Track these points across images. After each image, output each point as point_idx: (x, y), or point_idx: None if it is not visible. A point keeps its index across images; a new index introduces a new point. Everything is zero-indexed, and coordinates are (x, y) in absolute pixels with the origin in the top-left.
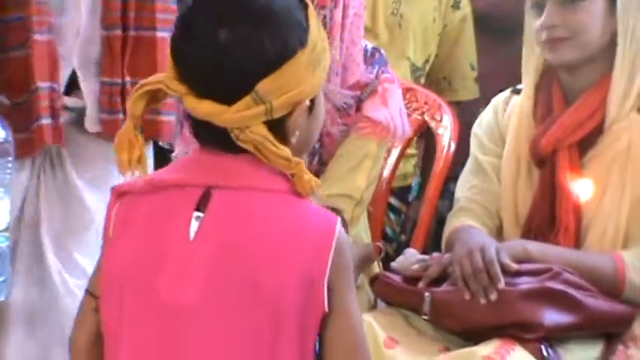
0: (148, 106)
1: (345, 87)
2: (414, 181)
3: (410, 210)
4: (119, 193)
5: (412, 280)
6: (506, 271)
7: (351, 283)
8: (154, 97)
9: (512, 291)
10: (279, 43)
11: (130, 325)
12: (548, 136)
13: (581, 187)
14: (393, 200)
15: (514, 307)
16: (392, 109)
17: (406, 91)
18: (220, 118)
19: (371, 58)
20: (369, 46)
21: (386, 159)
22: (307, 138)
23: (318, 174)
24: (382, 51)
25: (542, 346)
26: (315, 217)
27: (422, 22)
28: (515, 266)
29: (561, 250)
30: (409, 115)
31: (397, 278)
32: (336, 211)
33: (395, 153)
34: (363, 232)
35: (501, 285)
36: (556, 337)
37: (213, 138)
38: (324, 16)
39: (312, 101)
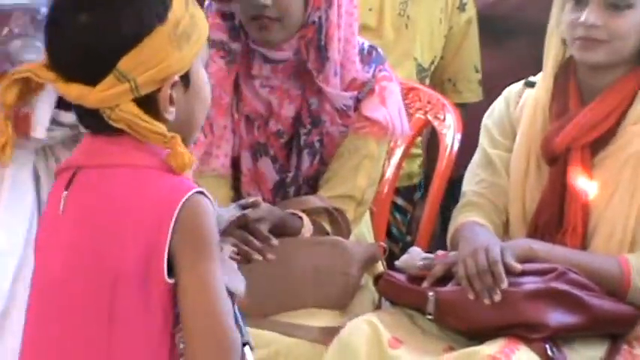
0: (22, 96)
1: (343, 86)
2: (419, 181)
3: (415, 210)
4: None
5: (416, 279)
6: (510, 272)
7: (204, 254)
8: (28, 87)
9: (517, 291)
10: (134, 20)
11: (28, 299)
12: (564, 135)
13: (591, 188)
14: (399, 200)
15: (519, 307)
16: (390, 108)
17: (409, 90)
18: (88, 99)
19: (368, 56)
20: (366, 44)
21: (389, 159)
22: (189, 117)
23: (319, 174)
24: (379, 49)
25: (547, 346)
26: (165, 189)
27: (428, 23)
28: (519, 267)
29: (567, 251)
30: (412, 115)
31: (401, 277)
32: (338, 211)
33: (398, 152)
34: (366, 231)
35: (505, 285)
36: (561, 337)
37: (90, 121)
38: (319, 17)
39: (187, 77)
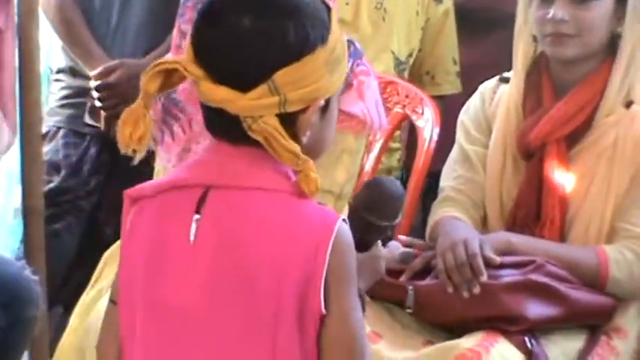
0: (162, 87)
1: None
2: (398, 175)
3: None
4: (132, 199)
5: (395, 273)
6: (489, 265)
7: (351, 284)
8: (169, 79)
9: (496, 284)
10: (302, 36)
11: (141, 331)
12: (538, 130)
13: (567, 181)
14: None
15: (498, 299)
16: (368, 102)
17: (387, 84)
18: (234, 105)
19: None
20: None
21: (368, 153)
22: (318, 141)
23: None
24: (357, 43)
25: (526, 338)
26: (315, 216)
27: (405, 15)
28: (498, 260)
29: (545, 243)
30: (390, 109)
31: None
32: None
33: (377, 147)
34: None
35: (484, 278)
36: (540, 329)
37: (224, 128)
38: None
39: (327, 103)
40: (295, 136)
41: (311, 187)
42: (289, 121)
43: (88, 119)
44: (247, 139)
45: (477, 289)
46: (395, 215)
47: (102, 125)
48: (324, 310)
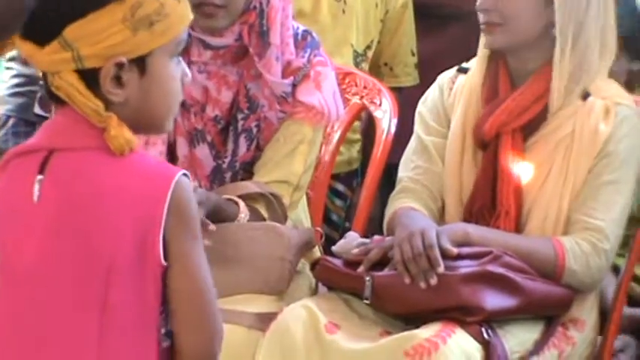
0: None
1: (283, 70)
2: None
3: (355, 196)
4: (4, 159)
5: (353, 264)
6: (446, 255)
7: (194, 235)
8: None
9: (453, 275)
10: None
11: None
12: (493, 120)
13: (523, 172)
14: (338, 186)
15: (455, 290)
16: (325, 93)
17: (345, 75)
18: (34, 59)
19: (302, 41)
20: (300, 29)
21: (326, 144)
22: (147, 105)
23: (255, 160)
24: (314, 34)
25: (483, 329)
26: (151, 170)
27: (365, 7)
28: (455, 250)
29: (502, 234)
30: (348, 100)
31: (338, 262)
32: (274, 196)
33: (335, 138)
34: (303, 216)
35: (441, 269)
36: (497, 319)
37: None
38: (260, 3)
39: (143, 64)
40: (99, 94)
41: (115, 144)
42: (91, 79)
43: (37, 109)
44: (61, 98)
45: (433, 280)
46: None
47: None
48: (164, 262)
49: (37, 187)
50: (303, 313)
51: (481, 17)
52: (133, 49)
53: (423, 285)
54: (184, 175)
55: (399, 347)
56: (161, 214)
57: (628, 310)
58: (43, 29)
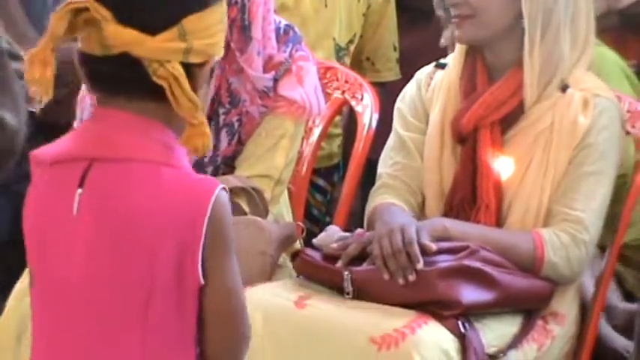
0: (69, 30)
1: (265, 64)
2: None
3: (335, 191)
4: (36, 162)
5: (332, 258)
6: (425, 252)
7: (229, 250)
8: (75, 21)
9: (430, 270)
10: None
11: (35, 300)
12: (470, 114)
13: (502, 165)
14: (319, 181)
15: (432, 285)
16: (307, 88)
17: (326, 70)
18: (142, 47)
19: (284, 36)
20: (282, 23)
21: (307, 138)
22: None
23: (237, 154)
24: (296, 28)
25: (460, 323)
26: (192, 186)
27: (347, 1)
28: (434, 247)
29: (481, 228)
30: (330, 94)
31: (317, 256)
32: (256, 191)
33: (317, 132)
34: (284, 211)
35: (420, 265)
36: (474, 313)
37: (117, 76)
38: None
39: (213, 69)
40: (194, 91)
41: (205, 142)
42: (189, 74)
43: None
44: (138, 91)
45: (412, 277)
46: None
47: (37, 109)
48: (202, 281)
49: (76, 200)
50: (272, 287)
51: (452, 12)
52: (220, 51)
53: (401, 281)
54: (223, 189)
55: (365, 332)
56: (200, 235)
57: (623, 305)
58: (161, 16)
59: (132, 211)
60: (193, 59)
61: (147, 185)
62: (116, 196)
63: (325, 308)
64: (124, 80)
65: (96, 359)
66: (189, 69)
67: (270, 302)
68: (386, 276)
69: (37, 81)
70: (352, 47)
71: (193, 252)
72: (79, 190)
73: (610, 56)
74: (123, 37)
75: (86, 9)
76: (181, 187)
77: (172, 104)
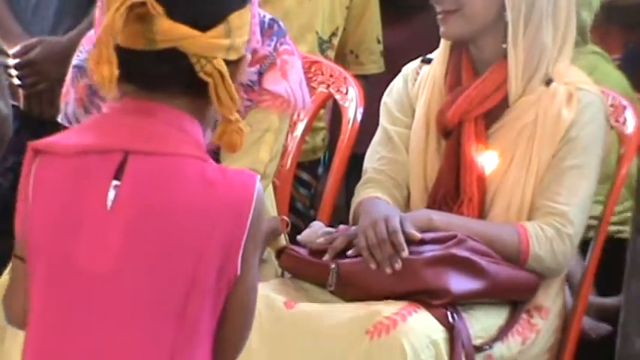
0: (126, 26)
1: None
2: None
3: (319, 184)
4: (36, 152)
5: (318, 252)
6: (410, 241)
7: (259, 243)
8: (129, 17)
9: (418, 259)
10: None
11: (46, 292)
12: (455, 108)
13: (486, 159)
14: (303, 175)
15: (419, 274)
16: (292, 82)
17: (311, 64)
18: (194, 42)
19: (269, 30)
20: (267, 17)
21: (292, 132)
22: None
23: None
24: (280, 22)
25: (449, 312)
26: (234, 180)
27: None
28: (418, 235)
29: (465, 221)
30: (314, 88)
31: (303, 251)
32: None
33: (301, 126)
34: (269, 205)
35: (405, 254)
36: (462, 303)
37: (158, 70)
38: None
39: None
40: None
41: (242, 138)
42: (228, 71)
43: None
44: (174, 86)
45: (398, 265)
46: None
47: (21, 104)
48: (239, 273)
49: (112, 193)
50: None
51: (437, 8)
52: (246, 49)
53: (388, 270)
54: (259, 180)
55: (361, 327)
56: (245, 230)
57: (597, 300)
58: (211, 13)
59: (179, 206)
60: (232, 56)
61: (193, 181)
62: (161, 190)
63: (314, 307)
64: (164, 75)
65: (127, 347)
66: (227, 66)
67: (260, 303)
68: (373, 265)
69: (107, 79)
70: (335, 40)
71: (237, 247)
72: (115, 182)
73: (615, 76)
74: (175, 33)
75: (141, 4)
76: (225, 183)
77: (213, 100)
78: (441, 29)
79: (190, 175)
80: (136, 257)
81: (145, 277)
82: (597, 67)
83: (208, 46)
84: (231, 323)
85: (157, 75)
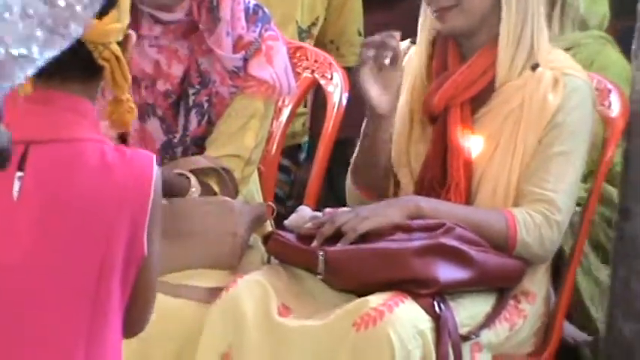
0: None
1: (235, 44)
2: (303, 141)
3: (300, 171)
4: None
5: (306, 238)
6: (401, 228)
7: (159, 223)
8: None
9: (406, 247)
10: None
11: None
12: (441, 93)
13: (472, 144)
14: (283, 160)
15: (408, 263)
16: (277, 67)
17: (296, 49)
18: (91, 31)
19: (254, 16)
20: (252, 3)
21: (277, 118)
22: None
23: (207, 134)
24: (265, 9)
25: (435, 302)
26: (133, 160)
27: None
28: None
29: (453, 207)
30: (299, 74)
31: (291, 237)
32: (226, 171)
33: (286, 112)
34: (255, 191)
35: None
36: (449, 292)
37: (56, 59)
38: None
39: None
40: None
41: (133, 116)
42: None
43: None
44: (71, 73)
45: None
46: None
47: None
48: (146, 253)
49: (17, 184)
50: (257, 292)
51: (433, 5)
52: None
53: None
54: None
55: (348, 321)
56: (147, 207)
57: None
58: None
59: (82, 192)
60: (121, 37)
61: (93, 165)
62: (64, 177)
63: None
64: (61, 63)
65: (42, 329)
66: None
67: (257, 300)
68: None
69: None
70: (315, 30)
71: (142, 228)
72: (19, 174)
73: (618, 61)
74: None
75: None
76: (125, 164)
77: (108, 82)
78: (439, 25)
79: (90, 159)
80: (45, 247)
81: (55, 265)
82: (601, 52)
83: (104, 33)
84: (138, 302)
85: (56, 64)
